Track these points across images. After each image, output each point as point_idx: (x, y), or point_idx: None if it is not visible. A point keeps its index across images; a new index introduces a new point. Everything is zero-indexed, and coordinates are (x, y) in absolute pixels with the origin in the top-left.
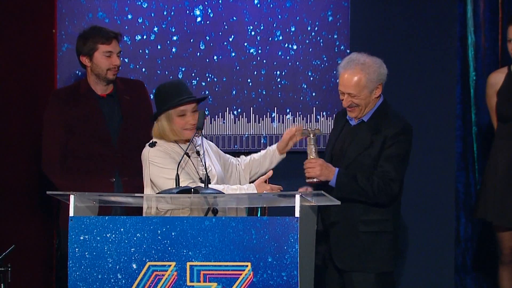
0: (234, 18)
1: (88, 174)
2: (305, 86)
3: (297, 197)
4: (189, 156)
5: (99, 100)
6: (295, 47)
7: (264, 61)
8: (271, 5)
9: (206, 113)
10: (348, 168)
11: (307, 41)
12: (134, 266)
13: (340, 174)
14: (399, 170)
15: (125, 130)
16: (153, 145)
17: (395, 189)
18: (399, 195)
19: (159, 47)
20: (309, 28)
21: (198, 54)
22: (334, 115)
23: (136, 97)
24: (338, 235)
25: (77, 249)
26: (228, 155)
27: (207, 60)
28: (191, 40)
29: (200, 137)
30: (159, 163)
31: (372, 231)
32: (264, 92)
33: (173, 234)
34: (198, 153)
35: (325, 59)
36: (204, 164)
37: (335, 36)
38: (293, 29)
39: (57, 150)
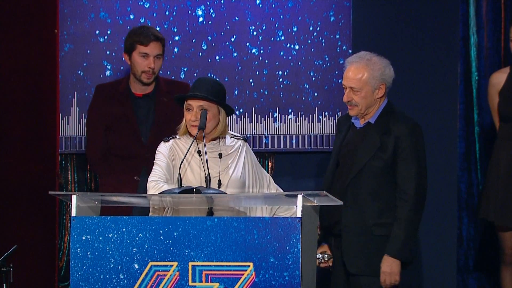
0: (236, 18)
1: (119, 172)
2: (307, 86)
3: (299, 197)
4: (200, 155)
5: (134, 100)
6: (297, 47)
7: (266, 61)
8: (273, 5)
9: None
10: (361, 173)
11: (309, 41)
12: (136, 266)
13: (397, 252)
14: (420, 186)
15: (156, 131)
16: (166, 140)
17: (425, 192)
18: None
19: None
20: (311, 28)
21: (200, 54)
22: (336, 119)
23: None
24: (352, 238)
25: (79, 249)
26: (268, 180)
27: (209, 60)
28: (193, 40)
29: (241, 140)
30: (156, 159)
31: (384, 235)
32: (266, 92)
33: (175, 234)
34: (199, 153)
35: (327, 59)
36: (206, 164)
37: (337, 36)
38: (295, 29)
39: (98, 147)
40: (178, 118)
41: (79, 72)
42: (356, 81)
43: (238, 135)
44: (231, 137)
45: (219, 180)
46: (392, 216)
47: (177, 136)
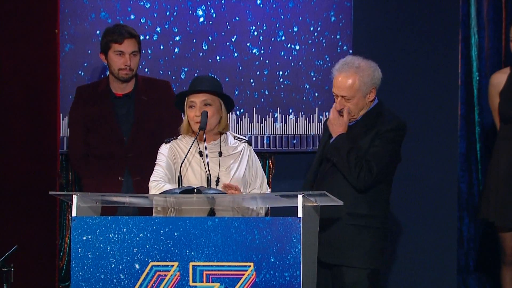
0: (237, 18)
1: (100, 173)
2: (307, 86)
3: (300, 197)
4: (201, 155)
5: (114, 100)
6: (297, 47)
7: (267, 61)
8: (274, 5)
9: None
10: None
11: (310, 41)
12: (137, 266)
13: (339, 138)
14: (380, 166)
15: (137, 130)
16: (167, 141)
17: (368, 181)
18: (386, 193)
19: (161, 47)
20: (311, 28)
21: (201, 54)
22: (322, 123)
23: (157, 97)
24: (323, 228)
25: (79, 249)
26: (258, 185)
27: (210, 60)
28: (194, 41)
29: (245, 143)
30: (158, 160)
31: (360, 225)
32: (266, 92)
33: (175, 234)
34: (200, 153)
35: (327, 59)
36: (207, 165)
37: (338, 36)
38: (295, 29)
39: (79, 147)
40: (158, 117)
41: (79, 72)
42: (348, 90)
43: (243, 137)
44: (234, 139)
45: (218, 178)
46: (366, 208)
47: (179, 137)
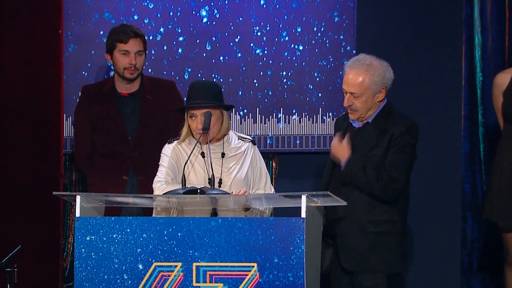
0: (240, 18)
1: (105, 172)
2: (311, 87)
3: (303, 198)
4: (203, 156)
5: (119, 99)
6: (301, 47)
7: (270, 61)
8: (277, 6)
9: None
10: None
11: (313, 42)
12: (140, 266)
13: (350, 161)
14: (404, 173)
15: (142, 129)
16: (170, 141)
17: (396, 191)
18: (404, 197)
19: (165, 47)
20: (315, 29)
21: (204, 54)
22: (334, 121)
23: (162, 97)
24: (345, 235)
25: (83, 250)
26: (262, 185)
27: (213, 60)
28: (197, 41)
29: (249, 143)
30: (161, 161)
31: (381, 232)
32: (270, 93)
33: (179, 234)
34: (202, 154)
35: (331, 59)
36: (210, 166)
37: (341, 37)
38: (299, 29)
39: (85, 147)
40: (164, 116)
41: (83, 72)
42: (357, 87)
43: (247, 137)
44: (238, 138)
45: (220, 179)
46: (387, 214)
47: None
